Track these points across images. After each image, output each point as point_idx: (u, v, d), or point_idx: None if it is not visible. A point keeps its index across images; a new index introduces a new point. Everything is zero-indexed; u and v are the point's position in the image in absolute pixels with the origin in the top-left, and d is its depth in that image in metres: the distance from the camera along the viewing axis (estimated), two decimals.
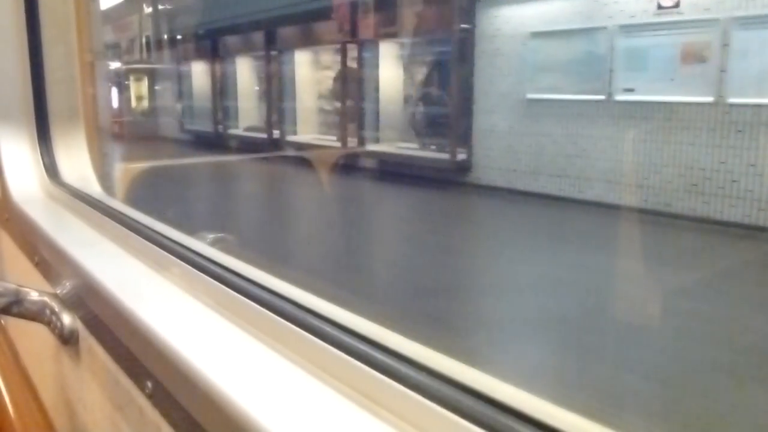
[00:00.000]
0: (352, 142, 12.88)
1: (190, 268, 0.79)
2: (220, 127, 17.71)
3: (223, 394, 0.53)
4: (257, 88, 17.19)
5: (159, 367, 0.66)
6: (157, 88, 19.70)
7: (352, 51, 12.77)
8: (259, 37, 15.35)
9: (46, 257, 1.14)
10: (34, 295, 1.04)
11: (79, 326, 0.97)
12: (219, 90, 17.78)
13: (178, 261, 0.82)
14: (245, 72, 17.34)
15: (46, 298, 1.03)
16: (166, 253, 0.86)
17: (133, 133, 17.61)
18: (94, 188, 1.44)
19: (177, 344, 0.62)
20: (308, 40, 14.38)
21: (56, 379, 1.13)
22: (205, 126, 18.37)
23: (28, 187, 1.44)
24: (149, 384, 0.69)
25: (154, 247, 0.90)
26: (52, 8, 1.49)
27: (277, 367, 0.58)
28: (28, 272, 1.23)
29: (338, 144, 13.18)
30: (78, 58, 1.55)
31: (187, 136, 18.87)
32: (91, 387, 0.97)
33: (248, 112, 17.18)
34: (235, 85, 17.43)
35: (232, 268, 0.75)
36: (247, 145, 16.01)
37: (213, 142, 17.40)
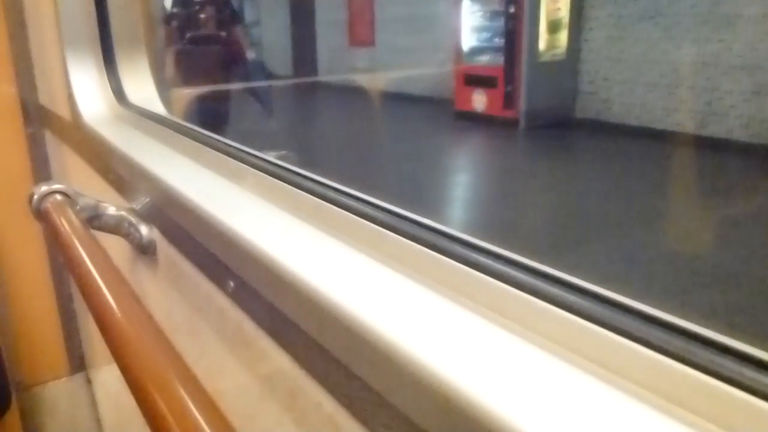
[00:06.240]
0: None
1: (265, 175, 0.81)
2: None
3: (307, 285, 0.55)
4: None
5: (242, 266, 0.68)
6: None
7: None
8: None
9: (120, 174, 1.18)
10: (111, 210, 1.08)
11: (157, 236, 1.02)
12: None
13: (252, 170, 0.84)
14: None
15: (123, 212, 1.08)
16: (239, 163, 0.88)
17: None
18: (159, 109, 1.47)
19: (260, 242, 0.64)
20: None
21: (135, 288, 1.19)
22: None
23: (97, 109, 1.48)
24: (231, 283, 0.72)
25: (227, 158, 0.92)
26: None
27: (354, 260, 0.60)
28: (104, 190, 1.28)
29: None
30: None
31: None
32: (169, 293, 1.03)
33: None
34: None
35: (305, 174, 0.77)
36: None
37: None
